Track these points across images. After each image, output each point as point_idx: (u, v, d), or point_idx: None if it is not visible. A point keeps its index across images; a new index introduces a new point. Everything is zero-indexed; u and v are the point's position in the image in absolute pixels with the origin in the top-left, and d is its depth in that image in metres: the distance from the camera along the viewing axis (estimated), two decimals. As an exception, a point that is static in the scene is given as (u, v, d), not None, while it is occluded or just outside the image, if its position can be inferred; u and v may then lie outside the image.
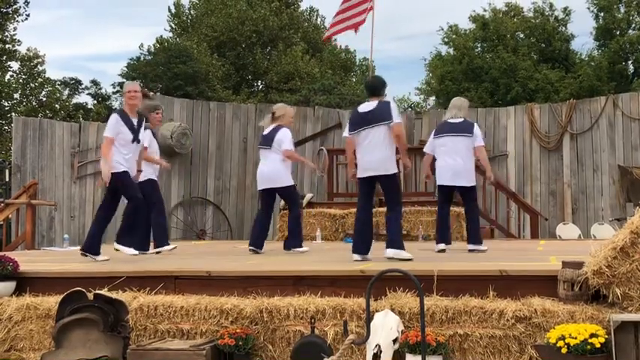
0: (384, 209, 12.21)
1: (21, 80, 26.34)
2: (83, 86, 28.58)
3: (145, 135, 8.71)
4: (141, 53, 27.47)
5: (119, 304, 5.50)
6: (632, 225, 5.05)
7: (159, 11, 58.70)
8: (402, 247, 7.03)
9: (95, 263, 7.28)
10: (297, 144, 14.94)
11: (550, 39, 27.55)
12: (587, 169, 15.00)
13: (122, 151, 7.67)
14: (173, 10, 30.94)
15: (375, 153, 7.05)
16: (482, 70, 26.85)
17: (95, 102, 28.16)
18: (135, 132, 7.77)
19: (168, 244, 9.01)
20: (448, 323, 5.26)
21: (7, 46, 25.65)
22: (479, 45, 28.73)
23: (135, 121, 7.80)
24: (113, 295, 5.61)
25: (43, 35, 45.36)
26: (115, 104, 28.04)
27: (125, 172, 7.67)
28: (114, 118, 7.76)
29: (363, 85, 28.04)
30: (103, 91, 28.84)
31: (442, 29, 29.87)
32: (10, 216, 12.45)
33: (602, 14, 26.96)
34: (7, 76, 25.94)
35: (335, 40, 20.43)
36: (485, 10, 29.37)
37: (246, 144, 15.74)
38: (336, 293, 5.62)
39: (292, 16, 30.10)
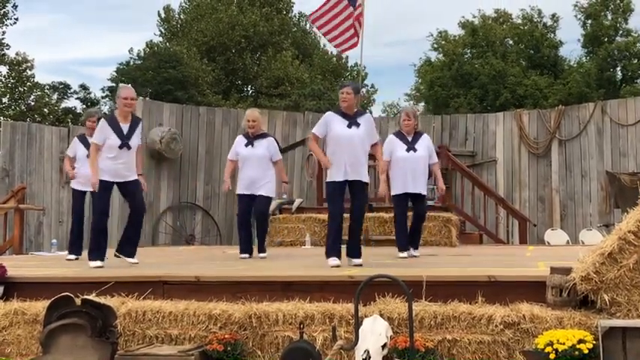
0: (373, 215, 12.37)
1: (9, 84, 26.21)
2: (72, 90, 28.49)
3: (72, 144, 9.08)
4: (130, 58, 27.40)
5: (107, 310, 5.47)
6: (620, 231, 5.07)
7: (149, 16, 58.64)
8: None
9: (82, 268, 7.25)
10: (287, 149, 15.02)
11: (539, 45, 27.68)
12: (576, 175, 15.06)
13: (108, 156, 7.53)
14: (163, 15, 30.90)
15: None
16: (471, 76, 26.94)
17: (84, 106, 28.02)
18: (124, 138, 7.55)
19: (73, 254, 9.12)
20: (437, 329, 5.26)
21: (-5, 50, 25.59)
22: (468, 51, 28.83)
23: (126, 126, 7.57)
24: (101, 300, 5.59)
25: (32, 39, 45.20)
26: (105, 109, 27.95)
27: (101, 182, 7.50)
28: (101, 122, 7.66)
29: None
30: (92, 95, 28.76)
31: (432, 35, 30.01)
32: (-3, 221, 12.39)
33: (589, 21, 27.10)
34: (-5, 81, 25.87)
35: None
36: (474, 17, 29.50)
37: (235, 149, 15.68)
38: (325, 298, 5.62)
39: (283, 21, 30.10)
